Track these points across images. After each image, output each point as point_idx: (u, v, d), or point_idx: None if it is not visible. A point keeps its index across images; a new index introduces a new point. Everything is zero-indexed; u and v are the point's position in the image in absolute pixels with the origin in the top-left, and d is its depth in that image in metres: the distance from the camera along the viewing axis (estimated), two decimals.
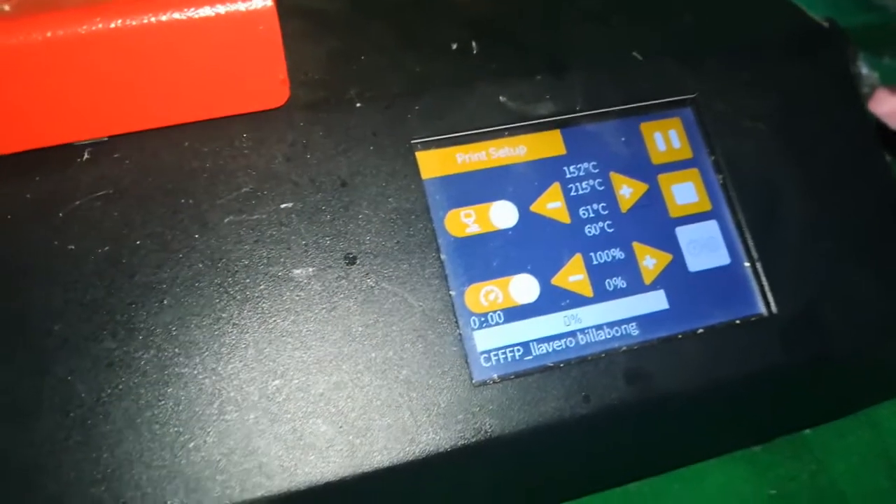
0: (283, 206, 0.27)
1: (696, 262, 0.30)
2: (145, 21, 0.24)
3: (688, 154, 0.31)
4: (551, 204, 0.30)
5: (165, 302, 0.25)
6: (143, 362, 0.25)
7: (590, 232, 0.30)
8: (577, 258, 0.29)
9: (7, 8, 0.24)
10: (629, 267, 0.29)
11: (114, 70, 0.25)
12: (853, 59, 0.58)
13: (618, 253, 0.30)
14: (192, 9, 0.24)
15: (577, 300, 0.29)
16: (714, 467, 0.33)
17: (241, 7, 0.25)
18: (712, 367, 0.29)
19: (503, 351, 0.28)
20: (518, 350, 0.28)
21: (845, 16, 0.59)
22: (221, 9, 0.25)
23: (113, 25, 0.24)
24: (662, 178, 0.31)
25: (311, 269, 0.27)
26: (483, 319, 0.28)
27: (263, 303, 0.26)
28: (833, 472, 0.34)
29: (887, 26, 0.61)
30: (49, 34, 0.24)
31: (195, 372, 0.25)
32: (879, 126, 0.45)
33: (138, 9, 0.24)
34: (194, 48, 0.25)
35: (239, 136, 0.27)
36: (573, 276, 0.29)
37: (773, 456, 0.34)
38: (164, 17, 0.24)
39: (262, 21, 0.25)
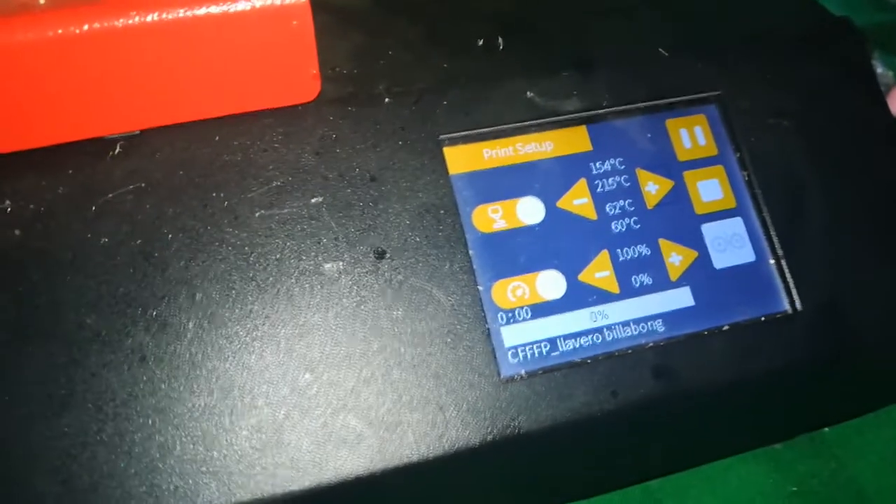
0: (313, 200, 0.27)
1: (722, 258, 0.30)
2: (181, 15, 0.24)
3: (713, 151, 0.31)
4: (578, 200, 0.30)
5: (197, 296, 0.25)
6: (175, 356, 0.25)
7: (616, 228, 0.30)
8: (604, 254, 0.29)
9: (42, 1, 0.24)
10: (655, 263, 0.30)
11: (147, 64, 0.25)
12: (868, 58, 0.58)
13: (644, 249, 0.30)
14: (228, 3, 0.24)
15: (603, 296, 0.29)
16: (735, 464, 0.33)
17: (276, 1, 0.25)
18: (737, 364, 0.29)
19: (530, 347, 0.28)
20: (545, 346, 0.28)
21: (860, 15, 0.59)
22: (257, 3, 0.25)
23: (149, 19, 0.24)
24: (688, 175, 0.31)
25: (340, 264, 0.27)
26: (510, 315, 0.28)
27: (294, 297, 0.26)
28: (853, 470, 0.34)
29: None
30: (85, 27, 0.24)
31: (227, 366, 0.25)
32: (894, 124, 0.45)
33: (175, 3, 0.24)
34: (228, 42, 0.25)
35: (269, 131, 0.28)
36: (600, 272, 0.29)
37: (794, 453, 0.34)
38: (199, 12, 0.24)
39: (296, 15, 0.25)
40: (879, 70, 0.60)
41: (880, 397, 0.35)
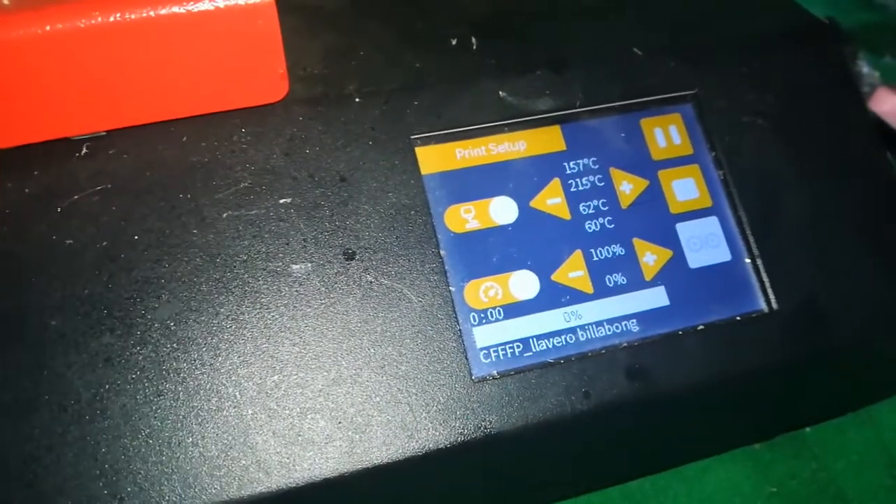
0: (281, 201, 0.27)
1: (697, 258, 0.30)
2: (144, 15, 0.24)
3: (688, 150, 0.31)
4: (551, 200, 0.30)
5: (163, 297, 0.25)
6: (140, 357, 0.25)
7: (590, 228, 0.29)
8: (578, 254, 0.29)
9: (6, 2, 0.24)
10: (629, 263, 0.29)
11: (112, 64, 0.25)
12: (853, 58, 0.58)
13: (618, 249, 0.29)
14: (192, 3, 0.24)
15: (577, 296, 0.29)
16: (715, 465, 0.33)
17: (241, 1, 0.25)
18: (713, 364, 0.29)
19: (503, 347, 0.28)
20: (518, 346, 0.28)
21: (845, 14, 0.59)
22: (221, 3, 0.24)
23: (112, 19, 0.24)
24: (663, 174, 0.31)
25: (309, 265, 0.26)
26: (483, 315, 0.28)
27: (262, 298, 0.26)
28: (833, 470, 0.34)
29: (888, 25, 0.61)
30: (48, 28, 0.24)
31: (193, 367, 0.25)
32: (880, 124, 0.45)
33: (138, 3, 0.24)
34: (194, 42, 0.25)
35: (237, 131, 0.27)
36: (573, 272, 0.29)
37: (774, 453, 0.34)
38: (163, 11, 0.24)
39: (261, 15, 0.25)
40: (865, 70, 0.60)
41: (859, 396, 0.34)
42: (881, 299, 0.31)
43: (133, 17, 0.24)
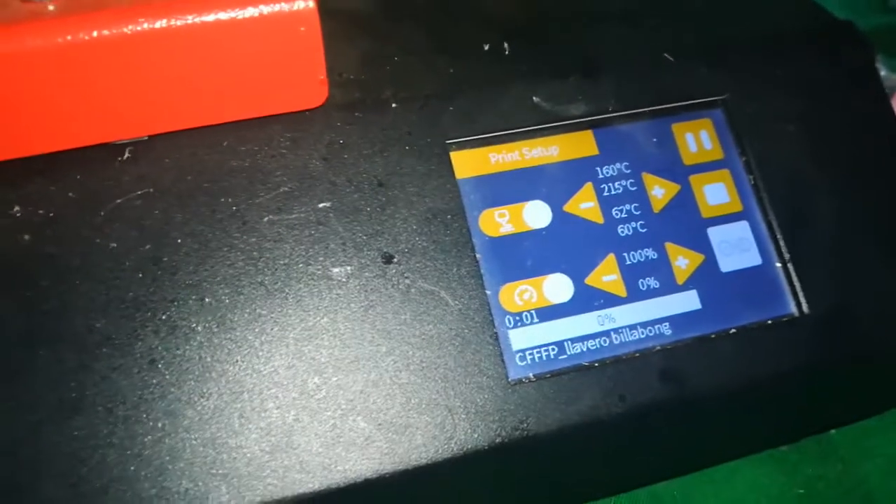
0: (321, 205, 0.27)
1: (728, 262, 0.30)
2: (189, 21, 0.25)
3: (719, 155, 0.32)
4: (584, 204, 0.30)
5: (206, 300, 0.26)
6: (184, 360, 0.25)
7: (623, 232, 0.30)
8: (611, 258, 0.29)
9: (52, 8, 0.25)
10: (662, 267, 0.30)
11: (156, 70, 0.25)
12: (873, 61, 0.58)
13: (651, 253, 0.30)
14: (236, 9, 0.25)
15: (610, 300, 0.29)
16: (742, 467, 0.33)
17: (284, 7, 0.25)
18: (744, 367, 0.29)
19: (538, 350, 0.28)
20: (553, 349, 0.28)
21: (863, 18, 0.59)
22: (265, 9, 0.25)
23: (157, 25, 0.24)
24: (694, 179, 0.31)
25: (348, 268, 0.27)
26: (518, 318, 0.28)
27: (302, 301, 0.26)
28: (860, 473, 0.34)
29: None
30: (94, 34, 0.24)
31: (236, 369, 0.25)
32: None
33: (182, 9, 0.25)
34: (236, 48, 0.25)
35: (277, 136, 0.28)
36: (607, 275, 0.29)
37: (801, 456, 0.34)
38: (207, 18, 0.25)
39: (303, 22, 0.25)
40: (883, 73, 0.60)
41: (887, 399, 0.35)
42: None
43: (178, 23, 0.25)
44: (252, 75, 0.26)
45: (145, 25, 0.24)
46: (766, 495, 0.33)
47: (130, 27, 0.24)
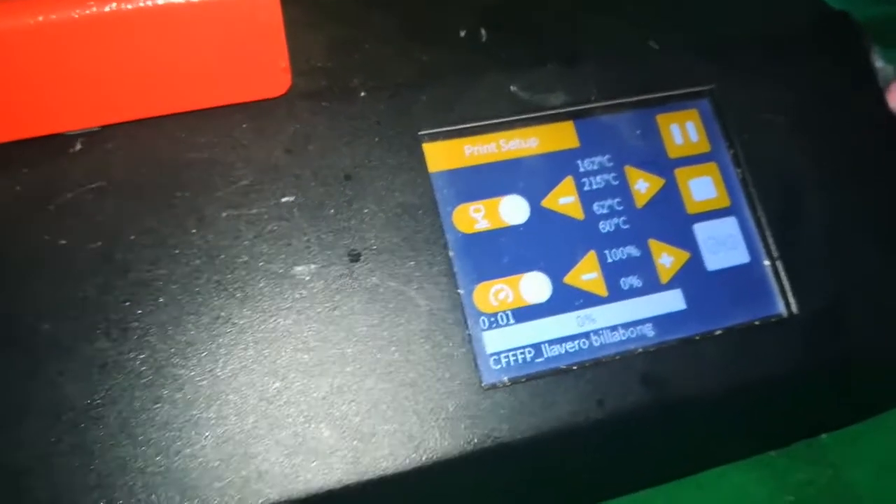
0: (283, 199, 0.26)
1: (715, 260, 0.29)
2: (142, 5, 0.23)
3: (705, 147, 0.30)
4: (564, 199, 0.29)
5: (161, 300, 0.24)
6: (137, 363, 0.24)
7: (604, 228, 0.28)
8: (591, 256, 0.28)
9: None
10: (645, 265, 0.28)
11: (108, 56, 0.24)
12: (867, 53, 0.57)
13: (633, 250, 0.28)
14: None
15: (590, 300, 0.28)
16: (730, 472, 0.32)
17: None
18: (730, 370, 0.28)
19: (513, 353, 0.27)
20: (529, 352, 0.27)
21: (858, 8, 0.58)
22: None
23: (108, 9, 0.23)
24: (679, 173, 0.30)
25: (312, 267, 0.25)
26: (492, 320, 0.27)
27: (263, 301, 0.25)
28: (850, 478, 0.33)
29: None
30: (41, 18, 0.23)
31: (192, 374, 0.24)
32: (893, 119, 0.44)
33: None
34: (193, 34, 0.24)
35: (238, 127, 0.26)
36: (587, 274, 0.28)
37: (791, 461, 0.33)
38: (161, 2, 0.23)
39: (264, 7, 0.24)
40: (879, 64, 0.59)
41: (878, 403, 0.33)
42: None
43: (130, 7, 0.23)
44: (210, 63, 0.25)
45: (94, 9, 0.23)
46: (754, 501, 0.32)
47: (79, 11, 0.23)
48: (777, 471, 0.32)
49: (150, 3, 0.23)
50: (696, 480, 0.31)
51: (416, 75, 0.29)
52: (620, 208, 0.29)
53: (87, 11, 0.23)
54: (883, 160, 0.31)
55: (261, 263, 0.25)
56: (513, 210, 0.28)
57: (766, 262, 0.29)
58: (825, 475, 0.33)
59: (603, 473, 0.29)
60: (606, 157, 0.29)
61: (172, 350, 0.24)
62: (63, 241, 0.24)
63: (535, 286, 0.27)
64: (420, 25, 0.30)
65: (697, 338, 0.28)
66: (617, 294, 0.28)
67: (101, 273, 0.24)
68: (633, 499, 0.31)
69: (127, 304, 0.24)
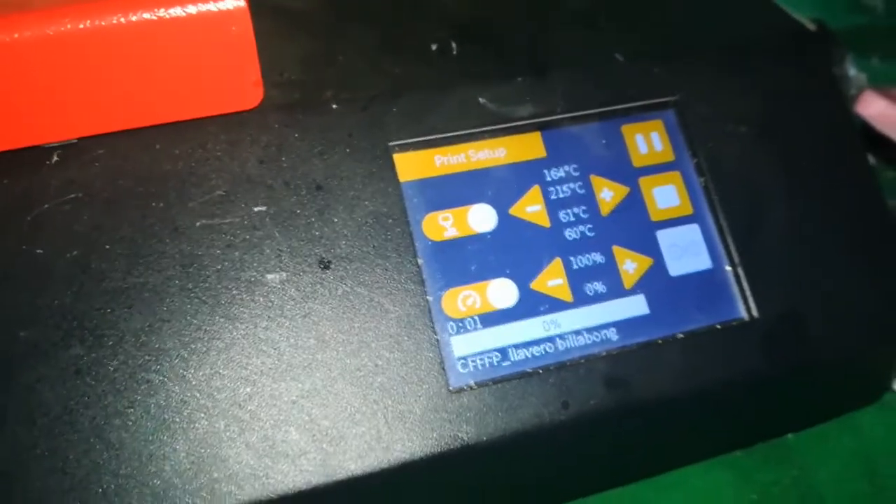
0: (256, 209, 0.27)
1: (677, 266, 0.30)
2: (115, 21, 0.24)
3: (669, 157, 0.31)
4: (531, 207, 0.29)
5: (135, 308, 0.25)
6: (111, 369, 0.24)
7: (570, 236, 0.29)
8: (557, 262, 0.29)
9: None
10: (609, 271, 0.29)
11: (83, 71, 0.24)
12: (842, 61, 0.58)
13: (598, 257, 0.29)
14: (163, 9, 0.24)
15: (556, 305, 0.28)
16: (696, 472, 0.33)
17: (213, 7, 0.24)
18: (693, 373, 0.29)
19: (481, 357, 0.27)
20: (496, 356, 0.27)
21: (834, 17, 0.59)
22: (193, 9, 0.24)
23: (82, 26, 0.24)
24: (644, 181, 0.30)
25: (284, 274, 0.26)
26: (461, 325, 0.27)
27: (235, 308, 0.26)
28: (815, 478, 0.34)
29: (876, 28, 0.61)
30: (16, 35, 0.23)
31: (165, 379, 0.25)
32: (866, 128, 0.45)
33: (108, 9, 0.24)
34: (165, 49, 0.25)
35: (212, 138, 0.27)
36: (552, 280, 0.29)
37: (756, 461, 0.34)
38: (133, 18, 0.24)
39: (234, 22, 0.25)
40: (852, 72, 0.60)
41: (841, 404, 0.34)
42: (862, 307, 0.31)
43: (103, 23, 0.24)
44: (183, 76, 0.26)
45: (69, 26, 0.24)
46: (720, 501, 0.33)
47: (55, 28, 0.24)
48: (742, 470, 0.33)
49: (123, 19, 0.24)
50: (663, 480, 0.32)
51: (388, 88, 0.29)
52: (586, 216, 0.30)
53: (63, 28, 0.24)
54: (841, 168, 0.32)
55: (233, 272, 0.26)
56: (481, 218, 0.29)
57: (728, 268, 0.30)
58: (789, 475, 0.34)
59: (569, 474, 0.30)
60: (572, 166, 0.30)
61: (146, 356, 0.25)
62: (40, 251, 0.25)
63: (502, 292, 0.28)
64: (392, 39, 0.31)
65: (660, 341, 0.29)
66: (582, 299, 0.29)
67: (77, 281, 0.25)
68: (600, 498, 0.31)
69: (102, 311, 0.25)
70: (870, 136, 0.45)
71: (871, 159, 0.49)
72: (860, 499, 0.33)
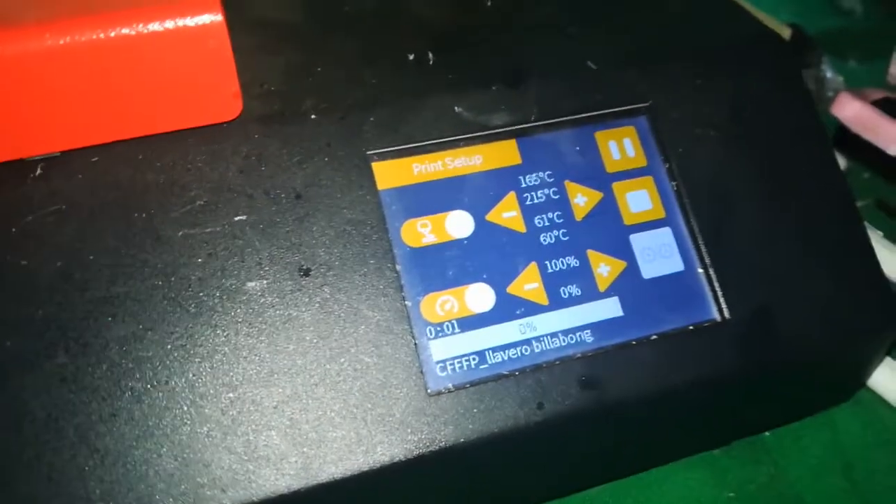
0: (237, 218, 0.27)
1: (650, 268, 0.30)
2: (94, 37, 0.24)
3: (642, 162, 0.32)
4: (507, 213, 0.30)
5: (118, 316, 0.25)
6: (95, 377, 0.25)
7: (545, 240, 0.30)
8: (533, 267, 0.29)
9: None
10: (584, 274, 0.30)
11: (65, 86, 0.25)
12: (818, 63, 0.59)
13: (572, 261, 0.30)
14: (141, 24, 0.25)
15: (532, 308, 0.29)
16: (673, 471, 0.34)
17: (190, 22, 0.25)
18: (666, 373, 0.29)
19: (459, 360, 0.28)
20: (473, 359, 0.28)
21: (811, 20, 0.60)
22: (170, 24, 0.25)
23: (62, 42, 0.24)
24: (617, 186, 0.31)
25: (264, 282, 0.27)
26: (439, 329, 0.28)
27: (216, 316, 0.26)
28: (791, 475, 0.34)
29: (852, 30, 0.62)
30: None
31: (148, 386, 0.25)
32: (842, 129, 0.46)
33: (88, 25, 0.24)
34: (145, 63, 0.25)
35: (193, 150, 0.28)
36: (528, 284, 0.29)
37: (732, 459, 0.34)
38: (112, 34, 0.24)
39: (211, 36, 0.25)
40: (829, 75, 0.61)
41: (815, 402, 0.35)
42: (832, 307, 0.31)
43: (83, 39, 0.24)
44: (163, 89, 0.26)
45: (50, 42, 0.24)
46: (697, 499, 0.33)
47: (35, 44, 0.24)
48: (719, 468, 0.34)
49: (102, 35, 0.25)
50: (640, 479, 0.33)
51: (366, 97, 0.30)
52: (560, 221, 0.30)
53: (44, 44, 0.24)
54: (811, 170, 0.33)
55: (214, 280, 0.26)
56: (458, 224, 0.29)
57: (700, 270, 0.31)
58: (766, 472, 0.34)
59: (547, 474, 0.30)
60: (547, 172, 0.31)
61: (129, 364, 0.25)
62: (24, 262, 0.25)
63: (479, 296, 0.29)
64: (370, 50, 0.32)
65: (634, 343, 0.29)
66: (557, 302, 0.29)
67: (61, 291, 0.25)
68: (578, 498, 0.32)
69: (85, 321, 0.25)
70: (846, 137, 0.46)
71: (847, 161, 0.50)
72: (836, 494, 0.34)
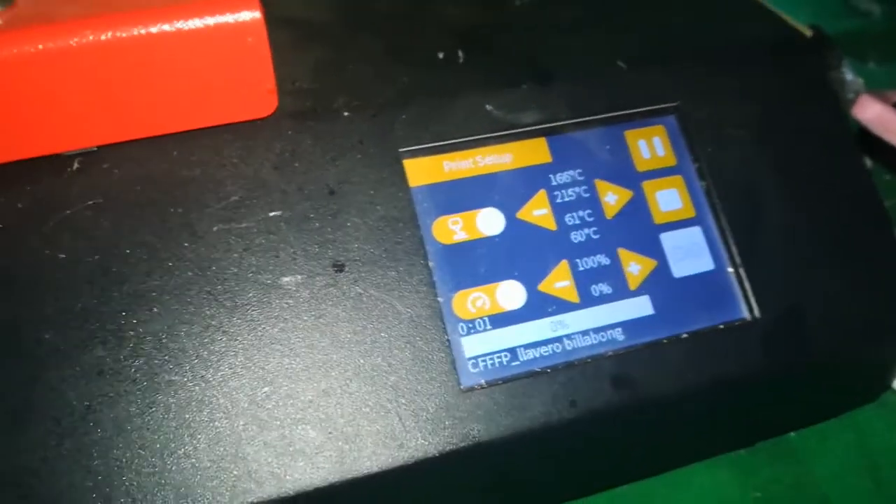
0: (271, 214, 0.27)
1: (681, 267, 0.30)
2: (135, 33, 0.25)
3: (671, 161, 0.32)
4: (537, 211, 0.30)
5: (155, 310, 0.26)
6: (133, 370, 0.25)
7: (575, 238, 0.30)
8: (563, 264, 0.30)
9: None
10: (614, 273, 0.30)
11: (103, 81, 0.25)
12: (838, 65, 0.59)
13: (603, 259, 0.30)
14: (182, 21, 0.25)
15: (563, 306, 0.29)
16: (699, 470, 0.34)
17: (230, 19, 0.25)
18: (697, 372, 0.29)
19: (490, 357, 0.28)
20: (505, 356, 0.28)
21: (830, 22, 0.60)
22: (210, 21, 0.25)
23: (103, 38, 0.24)
24: (647, 185, 0.31)
25: (299, 277, 0.27)
26: (471, 326, 0.28)
27: (252, 310, 0.26)
28: (816, 475, 0.34)
29: (872, 32, 0.62)
30: (40, 46, 0.24)
31: (184, 379, 0.25)
32: (863, 131, 0.46)
33: (128, 21, 0.25)
34: (183, 59, 0.25)
35: (227, 146, 0.28)
36: (559, 282, 0.29)
37: (758, 459, 0.34)
38: (153, 30, 0.25)
39: (250, 32, 0.25)
40: (849, 77, 0.61)
41: (842, 402, 0.35)
42: (861, 307, 0.31)
43: (123, 35, 0.25)
44: (200, 86, 0.26)
45: (91, 38, 0.25)
46: (723, 498, 0.33)
47: (76, 40, 0.24)
48: (745, 468, 0.34)
49: (143, 31, 0.25)
50: (668, 478, 0.33)
51: (397, 95, 0.30)
52: (591, 219, 0.30)
53: (84, 40, 0.24)
54: (839, 170, 0.33)
55: (250, 274, 0.27)
56: (489, 222, 0.30)
57: (730, 269, 0.31)
58: (792, 472, 0.34)
59: (576, 472, 0.30)
60: (577, 171, 0.31)
61: (166, 357, 0.25)
62: (62, 255, 0.26)
63: (510, 294, 0.29)
64: (401, 48, 0.32)
65: (665, 341, 0.29)
66: (588, 300, 0.29)
67: (99, 285, 0.26)
68: (606, 496, 0.32)
69: (123, 314, 0.25)
70: (867, 139, 0.46)
71: (869, 162, 0.50)
72: (862, 495, 0.34)
